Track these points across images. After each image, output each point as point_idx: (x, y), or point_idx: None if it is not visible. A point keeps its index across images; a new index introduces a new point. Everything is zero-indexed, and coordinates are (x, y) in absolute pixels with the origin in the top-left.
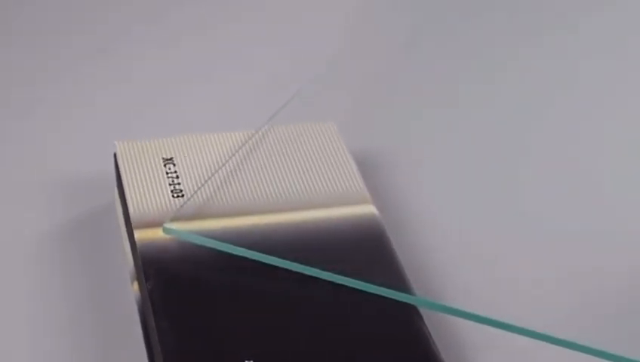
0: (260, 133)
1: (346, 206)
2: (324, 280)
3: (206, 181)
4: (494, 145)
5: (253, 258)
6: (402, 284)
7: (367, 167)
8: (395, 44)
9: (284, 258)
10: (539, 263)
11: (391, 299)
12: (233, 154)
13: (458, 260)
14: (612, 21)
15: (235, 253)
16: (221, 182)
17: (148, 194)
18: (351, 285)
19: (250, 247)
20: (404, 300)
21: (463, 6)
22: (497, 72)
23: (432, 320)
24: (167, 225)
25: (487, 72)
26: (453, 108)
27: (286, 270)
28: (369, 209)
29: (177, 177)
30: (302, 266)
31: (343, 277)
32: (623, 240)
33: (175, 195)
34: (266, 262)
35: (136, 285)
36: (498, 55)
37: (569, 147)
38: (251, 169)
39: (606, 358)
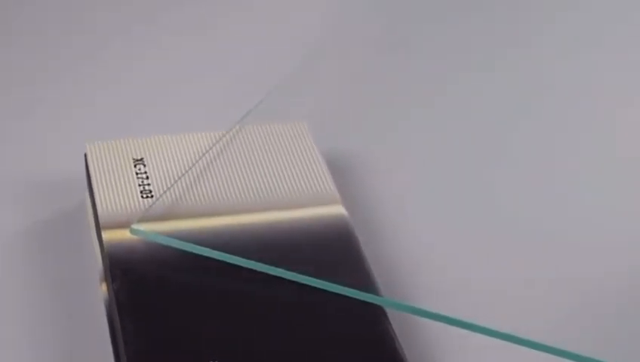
0: (231, 133)
1: (316, 206)
2: (292, 281)
3: (175, 181)
4: (469, 147)
5: (218, 258)
6: (369, 285)
7: (338, 168)
8: (371, 44)
9: (251, 258)
10: (508, 264)
11: (357, 300)
12: (203, 155)
13: (427, 261)
14: (590, 23)
15: (200, 253)
16: (191, 183)
17: (117, 195)
18: (316, 285)
19: (217, 248)
20: (370, 301)
21: (442, 7)
22: (474, 73)
23: (400, 321)
24: (135, 226)
25: (464, 73)
26: (427, 110)
27: (254, 271)
28: (338, 209)
29: (147, 178)
30: (266, 266)
31: (307, 278)
32: (598, 244)
33: (144, 196)
34: (231, 262)
35: (104, 286)
36: (476, 57)
37: (542, 150)
38: (221, 169)
39: (570, 358)
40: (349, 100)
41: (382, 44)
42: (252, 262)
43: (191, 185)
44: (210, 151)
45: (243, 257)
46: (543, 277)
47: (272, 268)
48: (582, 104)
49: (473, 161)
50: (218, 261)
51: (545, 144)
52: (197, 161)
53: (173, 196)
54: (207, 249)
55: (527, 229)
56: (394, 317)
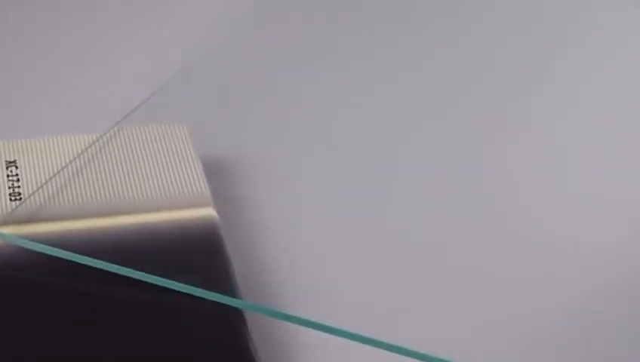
0: (108, 135)
1: (186, 208)
2: (155, 284)
3: (43, 184)
4: (349, 152)
5: (71, 259)
6: (228, 287)
7: (220, 171)
8: (257, 48)
9: (110, 260)
10: (376, 268)
11: (214, 301)
12: (76, 157)
13: (297, 265)
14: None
15: (52, 254)
16: (62, 185)
17: None
18: (167, 286)
19: (80, 251)
20: (223, 301)
21: (333, 12)
22: (360, 76)
23: (262, 324)
24: None
25: (349, 76)
26: (311, 114)
27: (120, 274)
28: (208, 211)
29: (18, 180)
30: (116, 267)
31: (156, 278)
32: (472, 242)
33: (13, 198)
34: (83, 263)
35: None
36: (361, 60)
37: (430, 158)
38: (95, 172)
39: (419, 358)
40: (233, 104)
41: (269, 48)
42: (103, 262)
43: (62, 188)
44: (86, 154)
45: (103, 259)
46: (411, 280)
47: (123, 268)
48: (486, 106)
49: (353, 165)
50: (82, 265)
51: (426, 147)
52: (68, 164)
53: (42, 199)
54: (57, 249)
55: (397, 232)
56: (258, 319)
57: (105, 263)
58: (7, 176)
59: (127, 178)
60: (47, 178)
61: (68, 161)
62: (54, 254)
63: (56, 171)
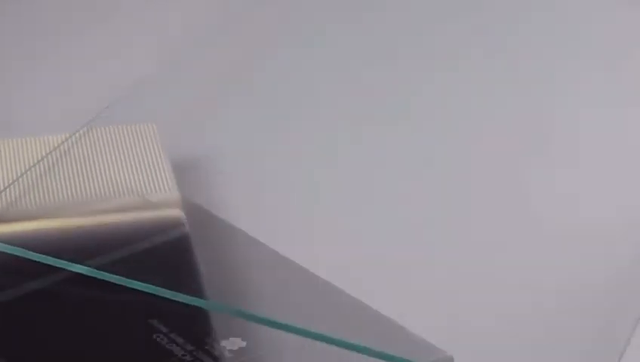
0: (77, 135)
1: (154, 209)
2: (120, 284)
3: (10, 184)
4: (317, 152)
5: (34, 259)
6: (195, 287)
7: (189, 172)
8: (229, 47)
9: (79, 261)
10: (340, 269)
11: (181, 302)
12: (44, 157)
13: (265, 266)
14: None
15: (20, 255)
16: (30, 186)
17: None
18: (136, 287)
19: (48, 251)
20: (191, 302)
21: (302, 11)
22: (323, 76)
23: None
24: None
25: (317, 77)
26: (290, 116)
27: (89, 276)
28: (176, 212)
29: None
30: (81, 267)
31: (121, 278)
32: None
33: None
34: (44, 262)
35: None
36: (326, 62)
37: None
38: (63, 172)
39: (377, 356)
40: (204, 104)
41: (244, 48)
42: (66, 262)
43: (30, 188)
44: (55, 154)
45: (67, 260)
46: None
47: (87, 268)
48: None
49: (324, 165)
50: (52, 266)
51: (406, 148)
52: (36, 164)
53: (9, 199)
54: (20, 249)
55: (369, 232)
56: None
57: (68, 263)
58: None
59: (95, 178)
60: (15, 178)
61: (36, 161)
62: (17, 254)
63: (24, 171)
